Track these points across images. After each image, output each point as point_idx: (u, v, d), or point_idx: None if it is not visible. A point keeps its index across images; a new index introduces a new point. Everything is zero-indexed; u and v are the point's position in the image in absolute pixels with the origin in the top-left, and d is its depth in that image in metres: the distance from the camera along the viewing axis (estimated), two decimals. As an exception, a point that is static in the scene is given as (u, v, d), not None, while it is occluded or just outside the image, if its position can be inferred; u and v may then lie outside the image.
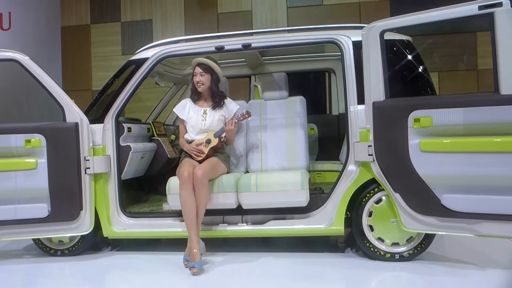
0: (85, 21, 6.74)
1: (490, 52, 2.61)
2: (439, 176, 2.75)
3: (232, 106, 3.52)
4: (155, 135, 4.07)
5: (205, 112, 3.46)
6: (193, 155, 3.35)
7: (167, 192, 3.28)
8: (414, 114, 2.78)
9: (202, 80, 3.41)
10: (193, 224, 3.02)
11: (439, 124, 2.72)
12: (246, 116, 3.43)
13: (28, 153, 3.18)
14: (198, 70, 3.41)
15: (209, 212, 3.18)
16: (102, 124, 3.38)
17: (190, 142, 3.44)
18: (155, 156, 4.00)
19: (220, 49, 3.39)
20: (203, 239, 3.10)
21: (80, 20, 6.74)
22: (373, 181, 3.03)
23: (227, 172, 3.45)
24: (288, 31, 3.62)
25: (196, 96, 3.53)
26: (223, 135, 3.43)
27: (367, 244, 3.09)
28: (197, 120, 3.44)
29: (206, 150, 3.34)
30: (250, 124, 3.79)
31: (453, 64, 5.90)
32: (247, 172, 3.71)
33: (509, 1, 2.54)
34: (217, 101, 3.48)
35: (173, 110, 3.63)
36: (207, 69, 3.41)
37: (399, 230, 3.01)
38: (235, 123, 3.37)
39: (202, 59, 3.41)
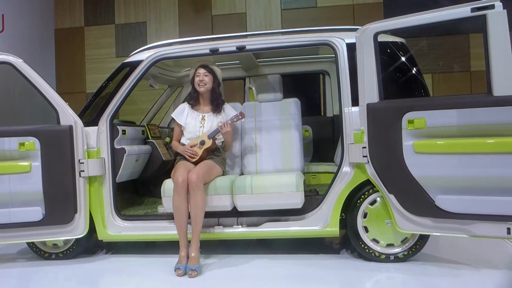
0: (79, 23, 6.72)
1: (483, 54, 2.64)
2: (433, 177, 2.77)
3: (230, 112, 3.50)
4: (150, 137, 4.06)
5: (203, 118, 3.44)
6: (187, 157, 3.35)
7: (162, 195, 3.27)
8: (408, 116, 2.79)
9: (205, 80, 3.41)
10: (182, 229, 3.06)
11: (433, 126, 2.73)
12: (240, 117, 3.42)
13: (22, 156, 3.16)
14: (202, 70, 3.42)
15: (204, 214, 3.17)
16: (97, 127, 3.37)
17: (184, 146, 3.45)
18: (149, 158, 3.99)
19: (214, 51, 3.39)
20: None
21: (74, 22, 6.73)
22: (367, 182, 3.04)
23: (223, 174, 3.45)
24: (283, 33, 3.63)
25: (195, 101, 3.51)
26: (218, 136, 3.43)
27: (362, 245, 3.10)
28: (195, 126, 3.42)
29: (200, 152, 3.34)
30: (245, 126, 3.79)
31: (446, 66, 5.94)
32: (242, 174, 3.71)
33: (501, 4, 2.57)
34: (216, 105, 3.48)
35: (171, 115, 3.62)
36: (210, 71, 3.43)
37: (393, 231, 3.02)
38: (231, 125, 3.37)
39: (205, 61, 3.45)
